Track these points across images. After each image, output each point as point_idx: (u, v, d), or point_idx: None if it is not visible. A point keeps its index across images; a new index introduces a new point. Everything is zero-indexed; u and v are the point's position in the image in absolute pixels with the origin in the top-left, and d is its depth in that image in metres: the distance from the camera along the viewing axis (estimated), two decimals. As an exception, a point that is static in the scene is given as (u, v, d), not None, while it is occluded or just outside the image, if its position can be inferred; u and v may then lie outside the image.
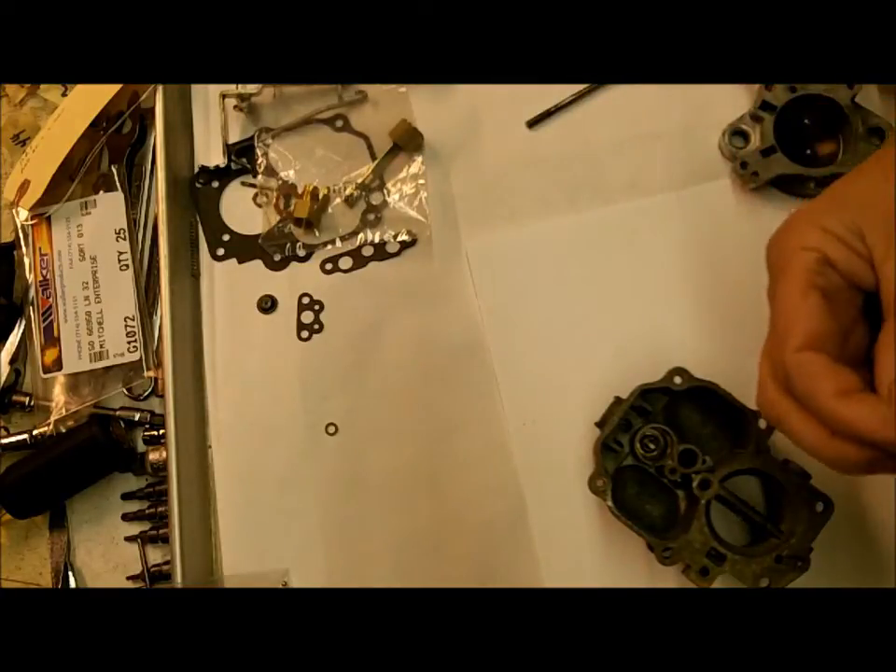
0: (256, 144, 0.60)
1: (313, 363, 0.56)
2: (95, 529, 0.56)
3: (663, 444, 0.46)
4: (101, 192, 0.60)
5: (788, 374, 0.35)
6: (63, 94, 0.66)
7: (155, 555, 0.55)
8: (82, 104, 0.60)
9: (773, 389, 0.37)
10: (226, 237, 0.59)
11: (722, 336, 0.51)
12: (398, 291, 0.56)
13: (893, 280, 0.34)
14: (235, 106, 0.60)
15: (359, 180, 0.58)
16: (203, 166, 0.60)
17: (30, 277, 0.59)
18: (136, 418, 0.57)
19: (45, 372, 0.57)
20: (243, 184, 0.60)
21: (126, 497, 0.56)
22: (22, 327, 0.59)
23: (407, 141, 0.57)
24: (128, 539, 0.55)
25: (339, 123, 0.60)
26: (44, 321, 0.58)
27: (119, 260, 0.58)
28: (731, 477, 0.45)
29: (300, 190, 0.58)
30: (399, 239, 0.57)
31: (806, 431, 0.35)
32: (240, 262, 0.58)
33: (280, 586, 0.51)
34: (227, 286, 0.58)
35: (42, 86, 0.67)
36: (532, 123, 0.58)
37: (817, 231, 0.36)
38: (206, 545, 0.54)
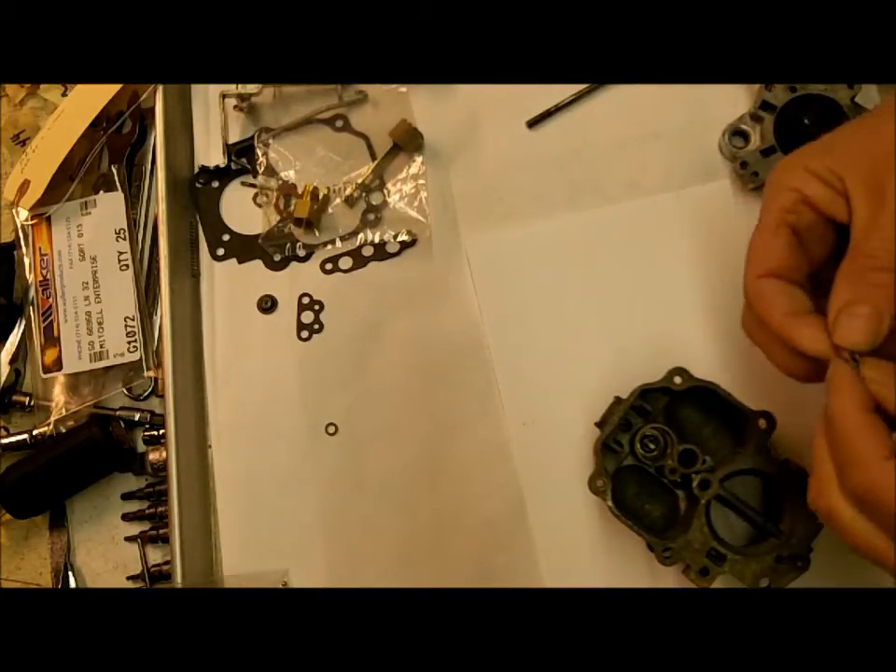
0: (256, 144, 0.60)
1: (313, 363, 0.56)
2: (95, 529, 0.56)
3: (663, 444, 0.46)
4: (101, 192, 0.60)
5: (748, 300, 0.40)
6: (63, 94, 0.66)
7: (155, 555, 0.55)
8: (82, 104, 0.60)
9: (747, 314, 0.41)
10: (226, 237, 0.59)
11: (723, 336, 0.51)
12: (398, 291, 0.56)
13: (864, 220, 0.36)
14: (235, 106, 0.60)
15: (359, 180, 0.58)
16: (203, 166, 0.60)
17: (30, 277, 0.59)
18: (136, 418, 0.57)
19: (45, 372, 0.57)
20: (243, 184, 0.60)
21: (126, 496, 0.56)
22: (22, 327, 0.59)
23: (407, 141, 0.57)
24: (128, 539, 0.55)
25: (339, 123, 0.60)
26: (44, 321, 0.58)
27: (119, 260, 0.58)
28: (731, 477, 0.45)
29: (300, 190, 0.58)
30: (399, 239, 0.57)
31: (771, 348, 0.40)
32: (240, 262, 0.58)
33: (280, 586, 0.51)
34: (227, 286, 0.58)
35: (42, 86, 0.67)
36: (532, 123, 0.58)
37: (800, 170, 0.39)
38: (206, 545, 0.54)
